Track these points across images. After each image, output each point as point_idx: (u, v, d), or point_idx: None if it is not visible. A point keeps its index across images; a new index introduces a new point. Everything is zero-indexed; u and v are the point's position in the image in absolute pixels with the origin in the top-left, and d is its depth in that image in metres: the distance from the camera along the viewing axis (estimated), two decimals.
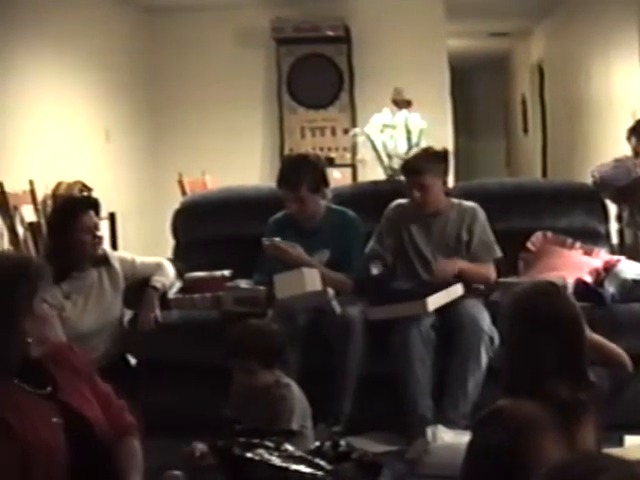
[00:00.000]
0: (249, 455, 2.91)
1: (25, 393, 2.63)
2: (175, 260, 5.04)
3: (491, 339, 4.23)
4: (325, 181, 4.75)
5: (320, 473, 2.92)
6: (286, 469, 2.87)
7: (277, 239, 4.56)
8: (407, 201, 4.72)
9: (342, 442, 3.30)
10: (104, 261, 4.50)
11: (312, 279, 4.32)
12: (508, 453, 2.41)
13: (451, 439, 3.90)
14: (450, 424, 4.07)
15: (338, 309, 4.32)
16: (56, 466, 2.56)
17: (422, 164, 4.58)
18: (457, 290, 4.40)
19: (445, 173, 4.65)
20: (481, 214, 4.66)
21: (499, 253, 4.64)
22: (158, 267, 4.66)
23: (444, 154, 4.69)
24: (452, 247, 4.62)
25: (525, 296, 2.73)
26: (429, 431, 3.99)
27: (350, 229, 4.75)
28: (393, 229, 4.73)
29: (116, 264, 4.53)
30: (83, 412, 2.69)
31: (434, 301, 4.30)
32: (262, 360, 3.67)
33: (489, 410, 2.54)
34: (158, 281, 4.58)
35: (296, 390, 3.75)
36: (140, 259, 4.67)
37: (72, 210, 4.48)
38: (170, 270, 4.69)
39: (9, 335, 2.62)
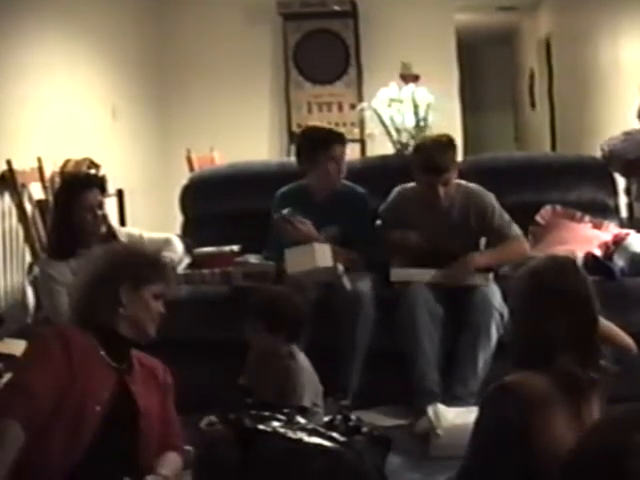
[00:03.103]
0: (261, 427, 2.91)
1: (98, 354, 2.84)
2: (184, 236, 5.04)
3: (501, 315, 4.22)
4: None
5: (334, 445, 2.91)
6: (300, 441, 2.87)
7: (287, 210, 4.55)
8: (410, 186, 4.66)
9: (352, 416, 3.30)
10: (112, 237, 4.49)
11: (323, 254, 4.31)
12: (517, 427, 2.41)
13: (454, 416, 3.85)
14: (458, 401, 4.05)
15: (348, 285, 4.32)
16: (81, 433, 2.69)
17: (448, 161, 4.45)
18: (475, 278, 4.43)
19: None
20: (487, 197, 4.59)
21: (519, 230, 4.58)
22: (166, 243, 4.66)
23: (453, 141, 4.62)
24: (460, 230, 4.57)
25: (543, 270, 2.69)
26: (430, 410, 3.93)
27: (359, 205, 4.74)
28: (398, 215, 4.69)
29: (124, 240, 4.52)
30: (137, 399, 2.88)
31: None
32: (288, 329, 3.72)
33: (497, 385, 2.53)
34: (166, 257, 4.57)
35: (306, 365, 3.75)
36: (148, 235, 4.67)
37: (76, 187, 4.47)
38: (178, 246, 4.69)
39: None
